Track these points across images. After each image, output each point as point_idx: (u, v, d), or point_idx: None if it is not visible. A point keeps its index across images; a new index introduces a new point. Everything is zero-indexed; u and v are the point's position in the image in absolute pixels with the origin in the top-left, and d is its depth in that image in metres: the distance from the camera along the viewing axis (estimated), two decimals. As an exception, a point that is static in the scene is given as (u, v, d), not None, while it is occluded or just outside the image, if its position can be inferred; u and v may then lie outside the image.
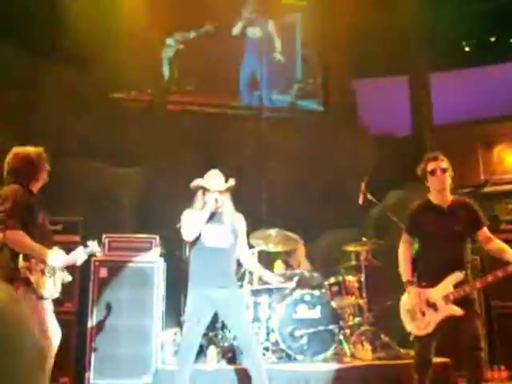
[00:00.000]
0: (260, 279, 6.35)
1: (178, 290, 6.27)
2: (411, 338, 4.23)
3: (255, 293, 6.14)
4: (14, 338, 3.29)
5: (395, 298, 5.77)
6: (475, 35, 10.40)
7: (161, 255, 6.11)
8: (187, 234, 4.61)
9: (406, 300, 4.24)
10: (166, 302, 6.20)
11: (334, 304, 6.03)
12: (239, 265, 5.08)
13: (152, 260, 6.01)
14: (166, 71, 9.52)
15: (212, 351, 5.76)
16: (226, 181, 4.81)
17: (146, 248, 6.08)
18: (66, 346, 4.99)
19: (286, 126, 8.95)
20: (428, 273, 4.21)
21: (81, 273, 5.66)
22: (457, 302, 4.05)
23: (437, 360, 5.28)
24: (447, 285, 4.08)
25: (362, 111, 9.92)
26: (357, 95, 10.00)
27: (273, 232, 6.31)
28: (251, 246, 6.50)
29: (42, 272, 3.82)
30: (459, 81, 10.20)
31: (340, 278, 6.54)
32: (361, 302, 6.33)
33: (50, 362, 3.85)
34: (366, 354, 5.80)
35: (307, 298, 5.94)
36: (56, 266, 3.92)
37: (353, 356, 5.87)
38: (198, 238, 4.63)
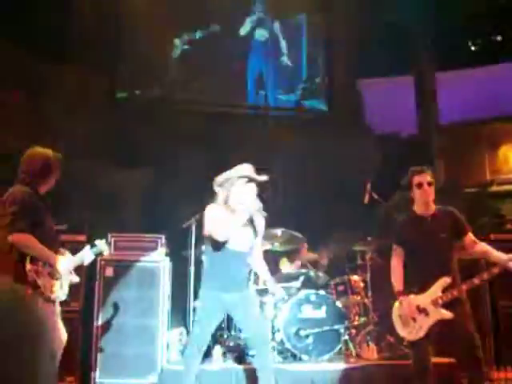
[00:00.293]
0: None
1: (183, 289, 6.28)
2: (405, 344, 4.35)
3: (260, 292, 6.14)
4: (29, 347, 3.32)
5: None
6: (481, 34, 10.37)
7: (166, 255, 6.13)
8: (221, 235, 4.23)
9: (398, 308, 4.39)
10: (171, 302, 6.21)
11: (339, 304, 6.03)
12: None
13: (158, 259, 6.02)
14: (172, 71, 9.52)
15: (217, 351, 5.77)
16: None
17: (152, 247, 6.10)
18: (72, 346, 5.00)
19: (291, 126, 8.95)
20: (417, 280, 4.34)
21: (87, 272, 5.67)
22: (446, 306, 4.18)
23: (442, 360, 5.30)
24: (436, 290, 4.22)
25: (368, 111, 9.90)
26: (362, 95, 9.98)
27: (278, 231, 6.31)
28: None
29: (50, 275, 3.81)
30: (465, 80, 10.16)
31: (345, 278, 6.55)
32: (366, 301, 6.33)
33: (58, 361, 3.86)
34: (371, 354, 5.81)
35: (312, 297, 5.94)
36: (64, 270, 3.92)
37: (358, 356, 5.87)
38: (218, 243, 4.33)
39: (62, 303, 4.02)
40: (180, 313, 6.48)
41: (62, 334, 3.93)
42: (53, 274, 3.82)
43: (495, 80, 9.93)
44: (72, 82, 8.25)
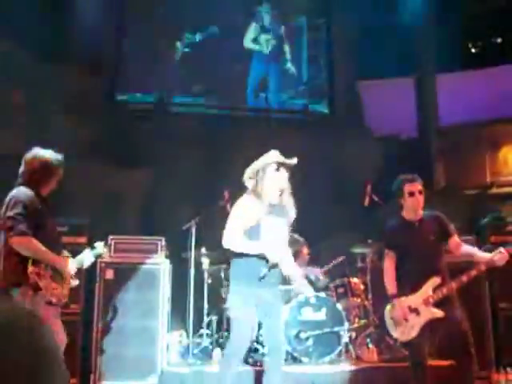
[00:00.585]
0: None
1: (183, 291, 6.28)
2: (397, 345, 4.49)
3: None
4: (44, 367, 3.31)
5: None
6: (481, 36, 10.38)
7: (166, 257, 6.13)
8: (229, 243, 4.18)
9: (390, 309, 4.53)
10: (171, 304, 6.22)
11: (339, 306, 6.03)
12: None
13: (158, 262, 6.02)
14: (173, 73, 9.52)
15: (217, 353, 5.78)
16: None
17: (152, 250, 6.10)
18: (73, 348, 5.00)
19: (292, 128, 8.96)
20: (408, 282, 4.49)
21: (87, 274, 5.67)
22: (437, 305, 4.33)
23: (441, 363, 5.30)
24: (426, 290, 4.37)
25: (368, 113, 9.90)
26: (363, 97, 9.98)
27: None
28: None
29: (51, 277, 3.81)
30: (465, 82, 10.16)
31: (345, 280, 6.55)
32: (366, 303, 6.33)
33: None
34: (371, 356, 5.81)
35: (312, 299, 5.95)
36: (66, 272, 3.92)
37: (358, 358, 5.87)
38: (253, 232, 4.16)
39: (62, 305, 4.03)
40: (180, 315, 6.48)
41: (62, 338, 3.93)
42: (54, 277, 3.82)
43: (495, 82, 9.92)
44: (72, 83, 8.25)
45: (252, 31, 9.73)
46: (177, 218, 6.66)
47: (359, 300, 6.39)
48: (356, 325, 6.19)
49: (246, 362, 5.65)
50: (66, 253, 4.09)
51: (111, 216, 7.41)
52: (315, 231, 7.03)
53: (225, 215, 6.47)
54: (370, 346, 5.93)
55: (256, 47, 9.74)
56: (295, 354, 5.69)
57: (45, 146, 4.09)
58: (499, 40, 10.35)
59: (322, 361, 5.70)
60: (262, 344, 5.82)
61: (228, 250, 4.29)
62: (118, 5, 9.12)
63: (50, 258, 3.79)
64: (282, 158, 4.22)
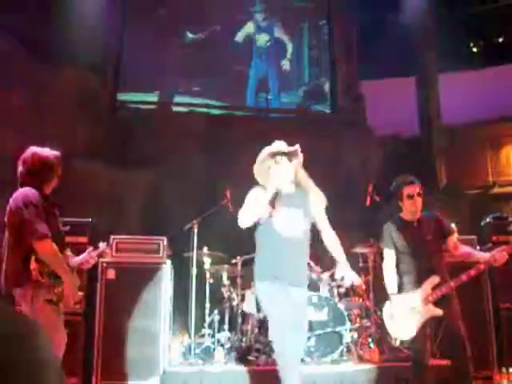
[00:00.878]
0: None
1: (185, 291, 6.28)
2: (397, 344, 4.61)
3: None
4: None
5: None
6: (483, 36, 10.38)
7: (168, 257, 6.12)
8: (241, 220, 3.97)
9: (389, 308, 4.55)
10: (173, 304, 6.22)
11: (341, 306, 6.03)
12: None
13: (159, 261, 6.01)
14: (174, 73, 9.52)
15: (219, 352, 5.77)
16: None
17: (154, 249, 6.07)
18: (74, 348, 5.01)
19: (293, 128, 8.95)
20: (407, 281, 4.53)
21: (88, 274, 5.67)
22: (436, 304, 4.36)
23: (441, 362, 5.29)
24: (425, 289, 4.39)
25: (370, 112, 9.90)
26: (364, 96, 9.98)
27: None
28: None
29: (55, 275, 3.80)
30: (467, 82, 10.16)
31: (347, 280, 6.53)
32: (368, 303, 6.33)
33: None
34: (373, 356, 5.80)
35: (314, 299, 5.94)
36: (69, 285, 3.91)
37: (360, 358, 5.86)
38: (267, 224, 3.98)
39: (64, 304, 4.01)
40: (182, 315, 6.48)
41: (63, 336, 3.92)
42: (57, 276, 3.81)
43: (497, 81, 9.92)
44: (72, 83, 8.25)
45: (246, 29, 9.74)
46: (178, 217, 6.66)
47: (361, 300, 6.38)
48: (358, 325, 6.18)
49: (244, 361, 5.66)
50: (69, 252, 4.09)
51: (113, 216, 7.40)
52: (316, 231, 7.03)
53: (226, 215, 6.52)
54: (372, 345, 5.93)
55: (255, 45, 9.74)
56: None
57: (45, 146, 4.07)
58: (501, 40, 10.34)
59: (323, 361, 5.70)
60: (262, 343, 5.83)
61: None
62: (119, 4, 9.12)
63: (62, 268, 3.78)
64: (279, 147, 4.07)
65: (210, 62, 9.45)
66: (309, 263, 6.73)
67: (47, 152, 3.98)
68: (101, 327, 5.73)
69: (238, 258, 6.45)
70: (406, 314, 4.39)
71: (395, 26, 9.20)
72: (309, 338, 5.71)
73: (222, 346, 5.95)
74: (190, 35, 9.55)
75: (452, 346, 4.35)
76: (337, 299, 6.20)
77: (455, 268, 4.67)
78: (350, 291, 6.47)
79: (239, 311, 6.17)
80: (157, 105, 9.32)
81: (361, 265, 6.70)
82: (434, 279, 4.37)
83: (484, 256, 4.45)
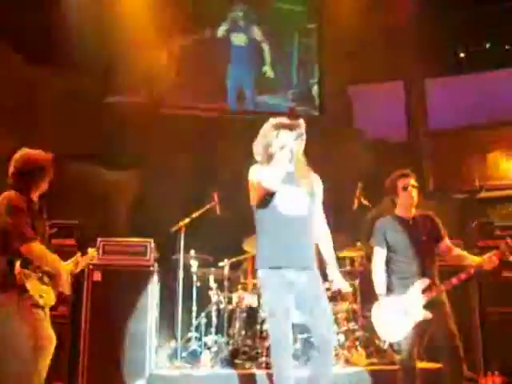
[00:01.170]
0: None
1: (172, 294, 6.26)
2: (385, 347, 4.47)
3: (249, 297, 6.14)
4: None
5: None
6: (470, 42, 10.44)
7: (156, 259, 6.10)
8: (270, 184, 3.60)
9: (378, 309, 4.49)
10: (160, 306, 6.19)
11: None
12: None
13: (147, 264, 5.98)
14: (162, 75, 9.49)
15: (206, 355, 5.76)
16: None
17: (141, 252, 6.05)
18: (60, 350, 4.96)
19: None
20: (397, 282, 4.47)
21: (74, 276, 5.62)
22: (426, 307, 4.29)
23: (429, 366, 5.31)
24: (415, 291, 4.33)
25: (358, 116, 9.94)
26: (352, 100, 10.01)
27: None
28: (244, 251, 6.51)
29: (39, 279, 3.77)
30: (454, 87, 10.22)
31: (334, 283, 6.53)
32: (355, 307, 6.33)
33: (45, 367, 3.80)
34: (360, 360, 5.80)
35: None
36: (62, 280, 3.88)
37: (347, 361, 5.86)
38: (268, 203, 3.71)
39: (50, 308, 3.98)
40: (169, 318, 6.46)
41: (51, 340, 3.88)
42: (42, 279, 3.78)
43: (484, 87, 9.99)
44: (61, 84, 8.22)
45: (223, 27, 9.73)
46: (166, 220, 6.63)
47: (348, 303, 6.39)
48: (345, 328, 6.18)
49: (230, 364, 5.65)
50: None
51: (100, 218, 7.37)
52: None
53: (214, 217, 6.51)
54: (359, 348, 5.93)
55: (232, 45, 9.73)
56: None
57: (34, 146, 4.05)
58: (488, 45, 10.41)
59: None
60: (249, 346, 5.82)
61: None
62: (109, 6, 9.08)
63: (55, 266, 3.77)
64: (281, 120, 3.83)
65: (198, 64, 9.44)
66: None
67: (39, 154, 3.95)
68: (87, 330, 5.70)
69: (226, 260, 6.45)
70: (395, 316, 4.34)
71: (383, 30, 9.23)
72: (295, 341, 5.70)
73: (209, 349, 5.94)
74: (179, 37, 9.54)
75: (444, 350, 4.30)
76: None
77: (443, 272, 4.61)
78: (338, 295, 6.47)
79: (226, 314, 6.16)
80: (146, 107, 9.29)
81: (348, 268, 6.71)
82: (424, 281, 4.34)
83: (475, 260, 4.43)
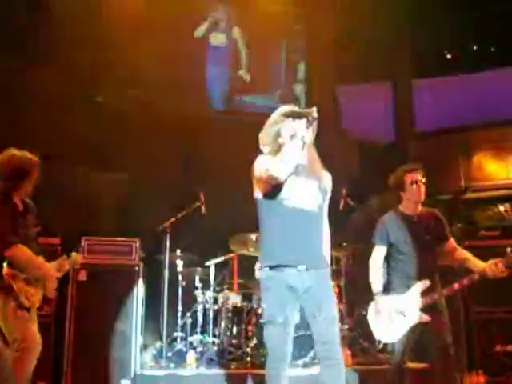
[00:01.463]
0: (243, 286, 6.36)
1: (157, 293, 6.25)
2: (380, 346, 4.33)
3: (234, 297, 6.15)
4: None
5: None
6: (457, 44, 10.50)
7: (141, 259, 6.08)
8: (278, 173, 3.32)
9: (375, 309, 4.35)
10: (145, 306, 6.17)
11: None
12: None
13: (132, 264, 5.96)
14: (150, 74, 9.46)
15: (191, 356, 5.75)
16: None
17: (127, 251, 6.03)
18: (44, 350, 4.92)
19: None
20: (396, 281, 4.33)
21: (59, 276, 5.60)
22: (425, 310, 4.16)
23: (415, 366, 5.33)
24: (415, 292, 4.19)
25: (345, 116, 9.95)
26: (340, 101, 10.03)
27: (253, 236, 6.31)
28: (230, 251, 6.51)
29: (26, 280, 3.74)
30: (441, 88, 10.26)
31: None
32: (340, 307, 6.34)
33: (30, 368, 3.78)
34: (345, 359, 5.80)
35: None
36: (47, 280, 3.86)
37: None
38: (275, 195, 3.43)
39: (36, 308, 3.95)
40: (154, 317, 6.44)
41: (37, 341, 3.85)
42: (28, 280, 3.75)
43: (470, 88, 10.04)
44: (47, 83, 8.16)
45: (204, 27, 9.72)
46: (152, 219, 6.62)
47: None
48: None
49: (216, 364, 5.65)
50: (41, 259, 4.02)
51: (85, 217, 7.33)
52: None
53: (200, 217, 6.50)
54: (344, 348, 5.93)
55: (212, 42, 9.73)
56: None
57: (19, 147, 4.01)
58: (474, 47, 10.46)
59: (295, 364, 5.69)
60: (234, 346, 5.82)
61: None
62: (96, 5, 9.04)
63: (40, 266, 3.74)
64: (292, 107, 3.58)
65: (185, 64, 9.44)
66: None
67: (23, 156, 3.92)
68: (71, 330, 5.67)
69: (211, 260, 6.45)
70: (392, 316, 4.21)
71: (372, 30, 9.25)
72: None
73: (195, 349, 5.94)
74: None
75: (438, 356, 4.18)
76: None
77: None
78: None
79: (212, 314, 6.15)
80: (132, 106, 9.25)
81: (333, 268, 6.72)
82: (425, 283, 4.17)
83: (480, 265, 4.18)
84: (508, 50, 10.04)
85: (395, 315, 4.21)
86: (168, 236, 6.20)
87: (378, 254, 4.45)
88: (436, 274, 4.34)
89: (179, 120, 8.83)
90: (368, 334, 6.05)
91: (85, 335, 5.67)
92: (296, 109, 3.56)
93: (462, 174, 10.12)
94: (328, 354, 3.39)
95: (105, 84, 9.03)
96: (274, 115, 3.60)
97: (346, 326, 6.17)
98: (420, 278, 4.22)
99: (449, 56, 10.52)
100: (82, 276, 5.80)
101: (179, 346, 6.08)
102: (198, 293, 6.35)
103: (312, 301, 3.41)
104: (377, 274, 4.39)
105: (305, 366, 5.72)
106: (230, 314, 6.03)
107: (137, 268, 5.94)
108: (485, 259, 4.22)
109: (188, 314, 6.29)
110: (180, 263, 6.40)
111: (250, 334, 5.83)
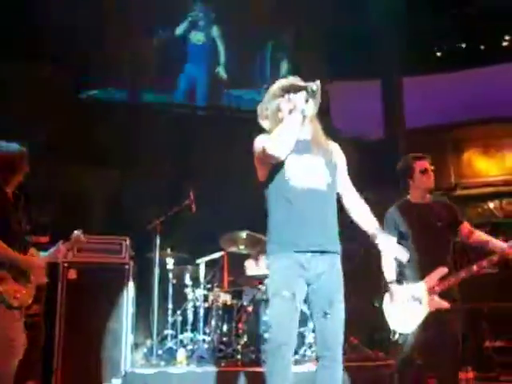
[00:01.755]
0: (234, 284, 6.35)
1: (148, 292, 6.24)
2: (396, 337, 4.12)
3: (225, 295, 6.15)
4: None
5: (364, 300, 5.82)
6: (447, 41, 10.54)
7: (131, 257, 6.07)
8: (276, 149, 3.08)
9: (390, 298, 4.17)
10: (135, 304, 6.16)
11: (303, 306, 6.03)
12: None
13: (122, 262, 5.95)
14: (138, 71, 9.45)
15: (181, 353, 5.75)
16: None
17: (117, 250, 6.02)
18: (34, 350, 4.91)
19: (259, 128, 8.97)
20: (411, 270, 4.14)
21: (49, 274, 5.57)
22: (442, 296, 4.00)
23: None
24: (432, 279, 4.03)
25: (335, 114, 9.96)
26: (329, 97, 10.04)
27: (243, 234, 6.31)
28: (220, 249, 6.50)
29: (14, 279, 3.71)
30: (430, 86, 10.30)
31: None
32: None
33: (13, 368, 3.75)
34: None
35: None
36: (33, 272, 3.83)
37: (317, 359, 5.85)
38: (279, 176, 3.19)
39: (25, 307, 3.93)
40: (144, 316, 6.43)
41: (22, 341, 3.83)
42: (17, 278, 3.72)
43: (460, 86, 10.09)
44: (36, 79, 8.13)
45: (183, 26, 9.73)
46: (142, 217, 6.61)
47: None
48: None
49: (206, 362, 5.65)
50: (34, 251, 4.00)
51: (75, 215, 7.31)
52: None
53: (190, 215, 6.49)
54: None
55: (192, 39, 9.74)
56: (259, 355, 5.67)
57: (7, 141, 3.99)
58: (464, 45, 10.51)
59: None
60: (225, 344, 5.82)
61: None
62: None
63: (17, 258, 3.71)
64: (292, 80, 3.37)
65: (172, 60, 9.45)
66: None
67: (13, 148, 3.90)
68: (61, 328, 5.66)
69: (201, 258, 6.44)
70: (409, 305, 4.03)
71: (361, 27, 9.26)
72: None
73: (185, 347, 5.93)
74: (160, 32, 9.53)
75: (447, 351, 3.99)
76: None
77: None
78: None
79: (202, 312, 6.15)
80: (122, 102, 9.24)
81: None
82: (443, 270, 4.00)
83: (501, 245, 4.00)
84: (497, 47, 10.11)
85: (411, 303, 4.04)
86: (158, 234, 6.18)
87: None
88: (449, 262, 4.15)
89: (170, 117, 8.84)
90: (357, 331, 6.10)
91: (75, 334, 5.66)
92: (296, 82, 3.32)
93: (451, 171, 10.18)
94: (331, 357, 3.18)
95: (95, 80, 9.01)
96: (274, 88, 3.40)
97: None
98: (434, 265, 4.05)
99: (438, 54, 10.56)
100: (72, 274, 5.79)
101: (169, 344, 6.08)
102: (189, 291, 6.34)
103: (322, 294, 3.12)
104: (388, 263, 4.17)
105: (295, 362, 5.72)
106: (220, 312, 6.03)
107: (127, 266, 5.93)
108: (475, 256, 4.17)
109: (178, 312, 6.28)
110: (170, 261, 6.39)
111: (240, 331, 5.82)
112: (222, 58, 9.84)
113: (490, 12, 9.53)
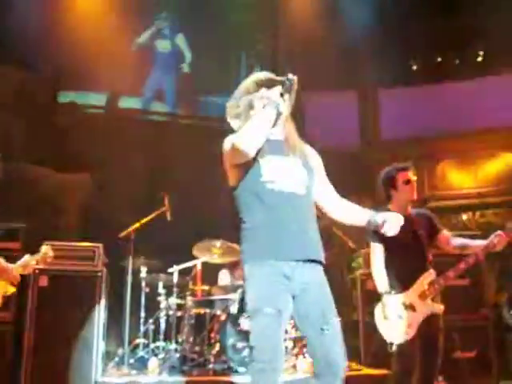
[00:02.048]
0: (207, 293, 6.33)
1: (120, 300, 6.18)
2: (392, 349, 4.08)
3: (197, 304, 6.12)
4: None
5: (338, 310, 5.79)
6: (423, 54, 10.68)
7: (104, 264, 6.01)
8: (244, 144, 2.81)
9: (381, 310, 4.13)
10: (108, 312, 6.10)
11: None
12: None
13: (95, 269, 5.88)
14: (116, 76, 9.40)
15: (153, 363, 5.70)
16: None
17: (89, 257, 5.95)
18: (2, 358, 4.84)
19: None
20: (399, 279, 4.14)
21: (20, 280, 5.49)
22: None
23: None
24: (421, 284, 4.05)
25: (310, 124, 10.01)
26: (305, 108, 10.08)
27: (217, 243, 6.29)
28: (193, 257, 6.48)
29: None
30: (406, 98, 10.41)
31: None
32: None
33: None
34: (307, 367, 5.82)
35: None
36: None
37: (295, 368, 5.87)
38: (254, 178, 2.92)
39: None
40: (116, 324, 6.37)
41: None
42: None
43: (434, 99, 10.21)
44: (10, 83, 8.05)
45: (147, 34, 9.76)
46: (115, 224, 6.56)
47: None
48: (293, 335, 6.19)
49: (178, 371, 5.61)
50: (2, 259, 3.95)
51: (48, 221, 7.23)
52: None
53: (164, 222, 6.46)
54: (307, 356, 5.94)
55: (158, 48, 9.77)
56: (231, 364, 5.65)
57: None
58: (439, 59, 10.66)
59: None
60: (197, 353, 5.78)
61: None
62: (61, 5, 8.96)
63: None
64: (266, 74, 3.14)
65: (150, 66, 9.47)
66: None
67: None
68: (31, 336, 5.55)
69: (175, 266, 6.40)
70: (402, 313, 4.01)
71: (338, 37, 9.33)
72: (244, 349, 5.69)
73: (157, 356, 5.89)
74: (134, 37, 9.53)
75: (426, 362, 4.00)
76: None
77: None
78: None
79: (175, 321, 6.11)
80: (97, 108, 9.19)
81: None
82: (430, 274, 4.06)
83: (482, 243, 4.05)
84: (471, 62, 10.26)
85: (405, 312, 4.02)
86: (132, 242, 6.13)
87: (377, 252, 4.26)
88: (431, 267, 4.16)
89: (144, 123, 8.81)
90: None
91: (45, 342, 5.56)
92: (271, 76, 3.08)
93: (425, 183, 10.26)
94: (334, 373, 2.81)
95: (71, 84, 8.95)
96: (247, 82, 3.13)
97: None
98: (420, 272, 4.08)
99: (414, 67, 10.69)
100: (43, 281, 5.70)
101: (141, 352, 6.03)
102: (161, 299, 6.30)
103: (313, 308, 2.84)
104: (380, 273, 4.19)
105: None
106: (192, 321, 6.00)
107: (100, 274, 5.85)
108: (448, 267, 4.13)
109: (151, 320, 6.24)
110: (143, 269, 6.35)
111: (212, 341, 5.80)
112: (187, 68, 9.97)
113: (466, 27, 9.68)
